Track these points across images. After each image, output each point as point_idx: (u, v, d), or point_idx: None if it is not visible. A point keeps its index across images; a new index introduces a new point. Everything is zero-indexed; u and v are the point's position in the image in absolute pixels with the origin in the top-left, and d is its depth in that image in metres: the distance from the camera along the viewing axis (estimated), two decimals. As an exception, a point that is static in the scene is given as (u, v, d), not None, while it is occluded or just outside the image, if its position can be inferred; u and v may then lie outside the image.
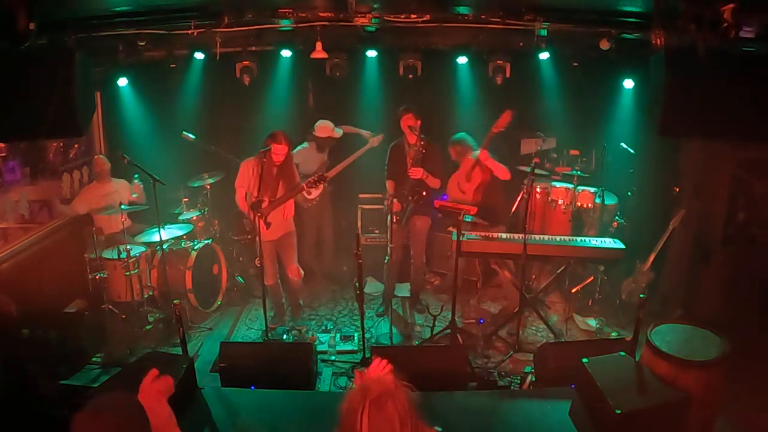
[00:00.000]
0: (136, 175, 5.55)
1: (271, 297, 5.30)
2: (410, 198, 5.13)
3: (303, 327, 5.32)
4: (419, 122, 5.05)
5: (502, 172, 5.02)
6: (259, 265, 4.94)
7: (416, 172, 5.01)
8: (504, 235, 4.95)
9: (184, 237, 5.64)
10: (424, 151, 5.11)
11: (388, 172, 5.33)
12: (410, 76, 5.46)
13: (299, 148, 5.77)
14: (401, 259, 5.57)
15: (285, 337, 5.19)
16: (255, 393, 3.69)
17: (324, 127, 5.78)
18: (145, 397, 2.03)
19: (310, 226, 6.05)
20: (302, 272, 5.27)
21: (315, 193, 5.69)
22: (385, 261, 5.54)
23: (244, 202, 4.97)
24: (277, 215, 4.93)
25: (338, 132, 5.89)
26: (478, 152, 5.02)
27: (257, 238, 4.74)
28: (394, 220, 5.17)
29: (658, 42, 3.03)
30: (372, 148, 5.94)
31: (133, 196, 5.60)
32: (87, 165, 6.01)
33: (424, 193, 5.16)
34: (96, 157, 5.71)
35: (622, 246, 4.80)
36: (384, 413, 1.66)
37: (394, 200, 5.14)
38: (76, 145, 5.88)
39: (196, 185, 5.92)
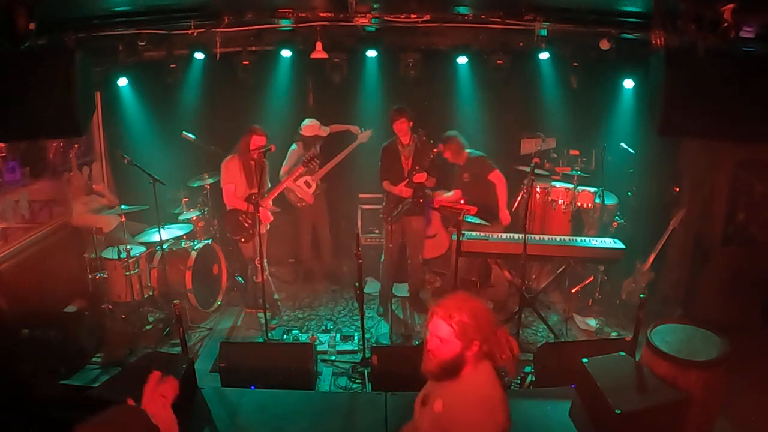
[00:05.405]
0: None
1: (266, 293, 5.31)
2: (410, 200, 5.13)
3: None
4: (411, 123, 5.06)
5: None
6: (258, 265, 4.93)
7: (421, 177, 5.01)
8: (504, 235, 4.95)
9: (184, 237, 5.64)
10: (417, 147, 5.11)
11: (382, 173, 5.29)
12: (412, 72, 5.44)
13: (290, 149, 5.77)
14: (397, 260, 5.55)
15: (285, 337, 5.19)
16: (255, 393, 3.69)
17: (310, 126, 5.77)
18: (150, 403, 1.99)
19: (305, 225, 6.06)
20: None
21: (309, 191, 5.73)
22: (381, 260, 5.54)
23: (234, 197, 5.03)
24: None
25: (325, 130, 5.89)
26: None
27: (258, 232, 4.75)
28: (388, 219, 5.17)
29: (658, 42, 3.02)
30: (362, 143, 5.93)
31: (102, 198, 5.64)
32: (87, 165, 6.01)
33: (421, 201, 5.19)
34: (75, 172, 5.73)
35: (622, 246, 4.80)
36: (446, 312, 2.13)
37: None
38: (76, 145, 5.87)
39: (196, 185, 5.91)
